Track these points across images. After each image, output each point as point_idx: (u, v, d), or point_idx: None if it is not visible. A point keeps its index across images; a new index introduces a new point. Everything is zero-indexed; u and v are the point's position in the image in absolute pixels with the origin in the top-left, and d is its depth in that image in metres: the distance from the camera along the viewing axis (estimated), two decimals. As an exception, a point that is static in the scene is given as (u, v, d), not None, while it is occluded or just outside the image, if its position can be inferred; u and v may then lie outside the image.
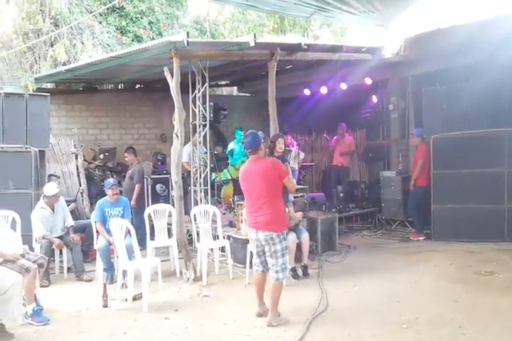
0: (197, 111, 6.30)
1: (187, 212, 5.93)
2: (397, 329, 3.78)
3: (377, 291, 4.77)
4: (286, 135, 8.96)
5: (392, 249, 6.60)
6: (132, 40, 9.25)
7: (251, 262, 5.22)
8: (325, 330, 3.81)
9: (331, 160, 9.21)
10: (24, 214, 5.34)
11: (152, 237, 5.74)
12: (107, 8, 8.05)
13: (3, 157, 5.69)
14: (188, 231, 5.96)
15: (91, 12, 7.98)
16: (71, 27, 7.57)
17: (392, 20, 7.72)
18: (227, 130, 9.81)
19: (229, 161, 8.05)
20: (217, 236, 5.77)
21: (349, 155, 8.96)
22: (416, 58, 7.56)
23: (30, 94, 5.93)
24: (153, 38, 9.41)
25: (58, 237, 5.52)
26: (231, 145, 8.33)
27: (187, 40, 4.86)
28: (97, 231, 5.55)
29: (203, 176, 6.58)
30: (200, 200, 6.42)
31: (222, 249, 5.81)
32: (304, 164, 9.01)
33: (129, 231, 4.91)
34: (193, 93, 6.25)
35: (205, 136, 6.52)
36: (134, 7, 9.08)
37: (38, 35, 7.76)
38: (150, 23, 9.58)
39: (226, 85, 10.54)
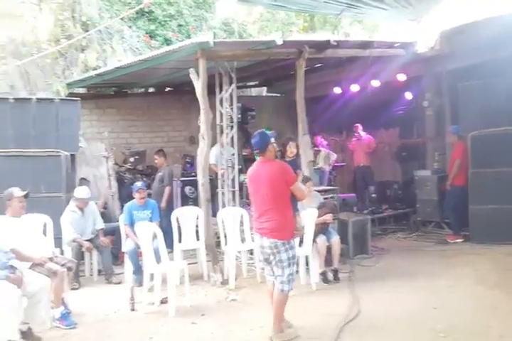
0: (223, 112, 6.24)
1: (215, 215, 5.88)
2: (434, 338, 3.57)
3: (412, 297, 4.55)
4: (315, 135, 8.82)
5: (428, 252, 6.33)
6: (162, 44, 9.31)
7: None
8: (356, 338, 3.65)
9: (352, 162, 9.00)
10: (56, 218, 5.43)
11: (180, 240, 5.72)
12: (136, 13, 8.16)
13: (34, 161, 5.80)
14: (216, 233, 5.91)
15: (121, 17, 8.09)
16: (101, 32, 7.69)
17: (426, 14, 7.42)
18: (255, 131, 9.71)
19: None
20: (245, 238, 5.69)
21: (370, 154, 8.73)
22: (451, 53, 7.23)
23: (60, 99, 6.04)
24: (182, 41, 9.44)
25: (88, 240, 5.59)
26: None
27: (213, 41, 4.80)
28: (126, 234, 5.57)
29: (230, 178, 6.51)
30: (228, 202, 6.35)
31: (250, 252, 5.72)
32: (335, 164, 8.82)
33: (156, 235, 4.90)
34: (220, 94, 6.19)
35: (232, 138, 6.45)
36: (163, 11, 9.16)
37: (69, 41, 7.92)
38: (179, 25, 9.62)
39: (255, 86, 10.45)
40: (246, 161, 7.21)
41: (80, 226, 5.55)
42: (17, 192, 4.14)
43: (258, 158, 3.88)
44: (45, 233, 5.10)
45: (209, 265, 5.51)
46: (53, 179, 5.74)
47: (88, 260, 5.83)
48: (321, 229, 5.14)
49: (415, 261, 5.92)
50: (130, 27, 8.78)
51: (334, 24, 11.30)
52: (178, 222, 5.75)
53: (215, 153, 6.67)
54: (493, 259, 5.61)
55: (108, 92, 8.74)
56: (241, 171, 6.81)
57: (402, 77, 7.91)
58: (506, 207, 6.25)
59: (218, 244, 5.92)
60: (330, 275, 5.17)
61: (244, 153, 7.88)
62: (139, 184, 5.70)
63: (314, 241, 5.04)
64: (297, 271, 4.02)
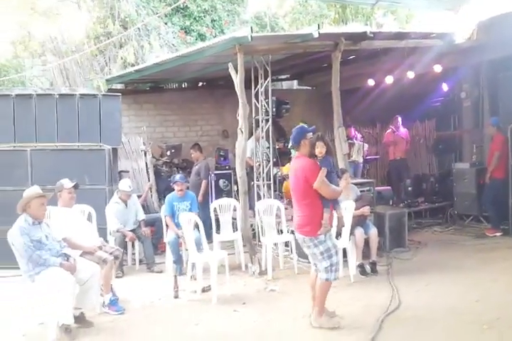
0: (259, 106, 6.30)
1: (250, 207, 5.97)
2: (478, 330, 3.57)
3: (452, 290, 4.54)
4: (349, 127, 8.77)
5: (467, 246, 6.25)
6: (196, 39, 9.44)
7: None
8: (398, 330, 3.68)
9: (386, 155, 8.88)
10: (99, 209, 5.63)
11: (217, 231, 5.85)
12: (172, 9, 8.28)
13: (79, 155, 6.03)
14: (252, 225, 6.01)
15: (157, 13, 8.25)
16: (139, 29, 7.87)
17: (463, 4, 7.26)
18: (287, 124, 9.73)
19: (291, 156, 7.99)
20: (281, 230, 5.77)
21: (406, 147, 8.62)
22: (490, 42, 7.03)
23: (103, 95, 6.24)
24: (215, 36, 9.55)
25: (131, 230, 5.78)
26: (294, 140, 8.25)
27: (251, 35, 4.86)
28: (167, 225, 5.75)
29: (265, 171, 6.58)
30: (263, 195, 6.43)
31: (286, 244, 5.80)
32: (369, 157, 8.76)
33: (197, 225, 5.04)
34: (255, 88, 6.25)
35: (267, 131, 6.51)
36: (197, 6, 9.26)
37: (108, 38, 8.14)
38: (212, 21, 9.72)
39: (286, 79, 10.46)
40: (281, 154, 7.27)
41: (123, 217, 5.75)
42: (67, 183, 4.34)
43: (295, 153, 3.95)
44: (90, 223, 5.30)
45: (246, 256, 5.62)
46: (97, 172, 5.93)
47: (130, 250, 6.03)
48: (359, 221, 5.16)
49: (453, 254, 5.86)
50: (166, 23, 8.94)
51: (367, 15, 11.14)
52: (216, 213, 5.88)
53: (250, 147, 6.75)
54: (534, 253, 5.53)
55: (144, 88, 8.94)
56: (276, 164, 6.88)
57: (438, 68, 7.75)
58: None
59: (254, 236, 6.04)
60: (368, 268, 5.20)
61: (276, 147, 7.94)
62: (177, 177, 5.85)
63: (352, 233, 5.07)
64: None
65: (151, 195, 7.67)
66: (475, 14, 7.47)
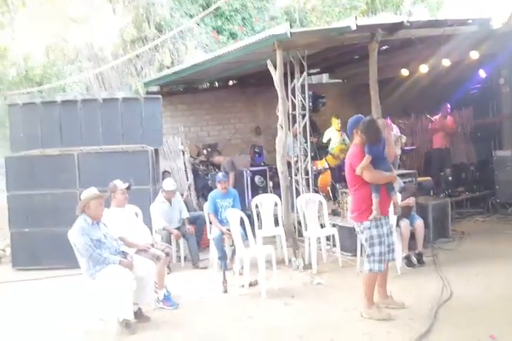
0: (296, 101, 6.34)
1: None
2: (535, 320, 3.54)
3: (505, 280, 4.49)
4: (385, 118, 8.66)
5: (511, 235, 6.14)
6: (228, 38, 9.53)
7: (361, 250, 5.23)
8: (453, 319, 3.69)
9: (430, 144, 8.69)
10: (144, 208, 5.79)
11: (259, 226, 5.94)
12: (204, 10, 8.39)
13: (123, 156, 6.21)
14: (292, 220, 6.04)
15: (190, 15, 8.38)
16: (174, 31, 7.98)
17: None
18: (319, 119, 9.73)
19: (328, 150, 8.01)
20: (324, 224, 5.80)
21: (451, 136, 8.45)
22: (529, 26, 6.85)
23: (144, 98, 6.41)
24: (246, 34, 9.62)
25: (176, 228, 5.94)
26: (328, 133, 8.27)
27: (290, 32, 4.90)
28: (210, 222, 5.87)
29: (303, 166, 6.62)
30: (302, 190, 6.47)
31: (327, 238, 5.83)
32: (406, 148, 8.65)
33: (241, 222, 5.13)
34: (291, 83, 6.28)
35: (305, 126, 6.54)
36: (229, 5, 9.35)
37: (143, 41, 8.33)
38: (243, 19, 9.79)
39: (317, 73, 10.43)
40: (319, 149, 7.29)
41: (168, 216, 5.92)
42: (120, 184, 4.51)
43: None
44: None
45: (289, 250, 5.69)
46: (141, 172, 6.09)
47: (174, 247, 6.19)
48: (404, 213, 5.13)
49: (499, 244, 5.79)
50: (198, 24, 9.06)
51: (396, 4, 10.97)
52: (257, 209, 5.97)
53: (286, 143, 6.78)
54: None
55: (178, 89, 9.11)
56: (315, 158, 6.90)
57: (474, 55, 7.59)
58: None
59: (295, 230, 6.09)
60: (414, 259, 5.19)
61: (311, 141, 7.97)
62: (220, 175, 5.95)
63: (398, 225, 5.07)
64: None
65: (190, 194, 7.84)
66: (512, -2, 7.27)
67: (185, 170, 7.86)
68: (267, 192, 8.14)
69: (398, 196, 5.03)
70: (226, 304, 4.50)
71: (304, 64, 6.31)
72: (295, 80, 6.30)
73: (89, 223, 3.91)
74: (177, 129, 8.50)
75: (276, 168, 8.92)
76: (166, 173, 7.24)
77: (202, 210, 7.20)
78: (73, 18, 9.41)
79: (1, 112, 8.18)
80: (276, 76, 5.36)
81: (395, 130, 8.61)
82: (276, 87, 5.44)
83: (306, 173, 6.66)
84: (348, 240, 5.67)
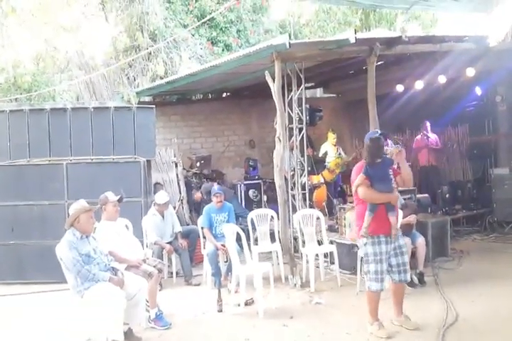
0: (293, 114, 6.22)
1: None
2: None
3: (507, 301, 4.33)
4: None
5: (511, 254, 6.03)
6: (223, 50, 9.45)
7: (361, 269, 5.06)
8: (463, 342, 3.51)
9: (416, 162, 8.67)
10: (135, 221, 5.57)
11: (255, 242, 5.73)
12: (199, 20, 8.32)
13: (114, 167, 6.00)
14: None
15: (184, 26, 8.28)
16: (167, 42, 7.89)
17: (496, 5, 7.12)
18: (314, 133, 9.65)
19: (325, 164, 7.89)
20: (322, 241, 5.62)
21: (436, 153, 8.43)
22: (526, 44, 6.87)
23: (137, 107, 6.22)
24: (241, 46, 9.55)
25: (168, 243, 5.70)
26: (324, 148, 8.17)
27: (289, 42, 4.80)
28: (204, 237, 5.65)
29: (299, 181, 6.47)
30: (300, 205, 6.30)
31: (324, 255, 5.65)
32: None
33: (237, 237, 4.93)
34: (288, 96, 6.18)
35: (302, 139, 6.42)
36: (224, 17, 9.32)
37: (136, 50, 8.19)
38: (238, 31, 9.74)
39: (312, 87, 10.40)
40: (316, 163, 7.16)
41: (161, 230, 5.68)
42: (112, 196, 4.29)
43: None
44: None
45: (286, 267, 5.49)
46: (132, 184, 5.89)
47: (166, 262, 5.93)
48: (405, 230, 4.97)
49: (500, 263, 5.68)
50: (193, 35, 8.98)
51: (390, 21, 11.06)
52: (253, 224, 5.78)
53: (284, 156, 6.64)
54: None
55: (172, 100, 8.95)
56: (311, 172, 6.77)
57: (471, 72, 7.60)
58: None
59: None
60: (415, 279, 5.01)
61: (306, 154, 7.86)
62: (216, 188, 5.77)
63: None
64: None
65: (182, 207, 7.61)
66: (508, 16, 7.32)
67: (178, 183, 7.64)
68: (261, 206, 7.98)
69: (400, 213, 4.90)
70: (221, 324, 4.26)
71: (302, 76, 6.22)
72: (292, 93, 6.19)
73: (77, 237, 3.67)
74: (169, 140, 8.32)
75: (270, 182, 8.85)
76: (157, 185, 7.02)
77: (194, 224, 7.03)
78: (64, 25, 9.26)
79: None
80: (275, 88, 5.25)
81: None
82: (275, 99, 5.32)
83: (303, 188, 6.51)
84: (346, 257, 5.49)
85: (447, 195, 7.44)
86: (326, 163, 7.87)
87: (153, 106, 6.36)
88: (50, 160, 6.05)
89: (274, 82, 5.25)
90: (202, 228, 5.66)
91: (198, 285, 5.58)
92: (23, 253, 5.87)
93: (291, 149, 6.67)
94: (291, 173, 6.57)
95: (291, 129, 6.29)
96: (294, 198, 6.40)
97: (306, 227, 5.56)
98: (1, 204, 5.90)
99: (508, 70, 7.52)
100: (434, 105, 8.26)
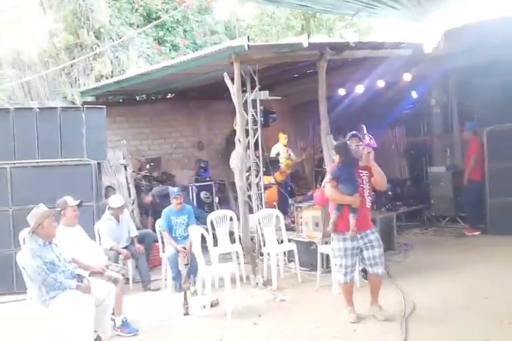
0: (248, 116, 6.28)
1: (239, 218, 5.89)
2: (502, 325, 3.70)
3: (459, 289, 4.69)
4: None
5: (451, 246, 6.50)
6: (170, 50, 9.29)
7: (322, 266, 5.23)
8: (426, 330, 3.75)
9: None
10: (87, 226, 5.32)
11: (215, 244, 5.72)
12: (145, 20, 8.12)
13: (63, 171, 5.71)
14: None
15: (130, 24, 8.04)
16: (112, 40, 7.61)
17: (431, 14, 7.63)
18: (264, 134, 9.77)
19: (279, 165, 8.03)
20: (282, 240, 5.73)
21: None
22: (458, 51, 7.45)
23: (87, 108, 5.96)
24: (188, 46, 9.46)
25: (124, 248, 5.53)
26: (275, 149, 8.31)
27: (248, 44, 4.86)
28: (163, 240, 5.55)
29: (255, 181, 6.54)
30: (258, 206, 6.36)
31: (283, 253, 5.76)
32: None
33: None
34: (243, 98, 6.23)
35: (257, 140, 6.50)
36: (170, 17, 9.18)
37: (79, 48, 7.81)
38: (184, 31, 9.63)
39: (260, 89, 10.50)
40: (272, 163, 7.26)
41: (116, 235, 5.50)
42: (71, 201, 4.09)
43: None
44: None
45: (247, 267, 5.53)
46: (83, 188, 5.62)
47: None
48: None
49: (442, 254, 6.09)
50: (139, 34, 8.74)
51: (329, 27, 11.50)
52: (212, 225, 5.76)
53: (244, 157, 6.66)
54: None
55: (117, 100, 8.65)
56: (266, 173, 6.86)
57: (407, 77, 8.11)
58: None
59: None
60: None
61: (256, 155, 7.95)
62: (175, 190, 5.67)
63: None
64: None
65: (133, 211, 7.40)
66: (440, 24, 7.89)
67: (128, 186, 7.41)
68: (213, 208, 7.95)
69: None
70: (190, 327, 4.22)
71: (256, 78, 6.31)
72: (247, 94, 6.26)
73: (40, 244, 3.47)
74: (115, 142, 8.02)
75: (221, 184, 8.84)
76: (109, 189, 6.78)
77: (145, 228, 6.86)
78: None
79: None
80: (234, 89, 5.28)
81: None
82: (234, 101, 5.36)
83: (260, 188, 6.59)
84: (304, 255, 5.64)
85: (390, 193, 7.87)
86: (280, 164, 8.01)
87: (104, 106, 6.11)
88: (-9, 164, 5.63)
89: (233, 83, 5.27)
90: (161, 231, 5.55)
91: (157, 289, 5.47)
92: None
93: (246, 150, 6.70)
94: (247, 174, 6.61)
95: (246, 131, 6.34)
96: (250, 199, 6.46)
97: (266, 227, 5.64)
98: None
99: (442, 75, 8.14)
100: (374, 108, 8.70)
